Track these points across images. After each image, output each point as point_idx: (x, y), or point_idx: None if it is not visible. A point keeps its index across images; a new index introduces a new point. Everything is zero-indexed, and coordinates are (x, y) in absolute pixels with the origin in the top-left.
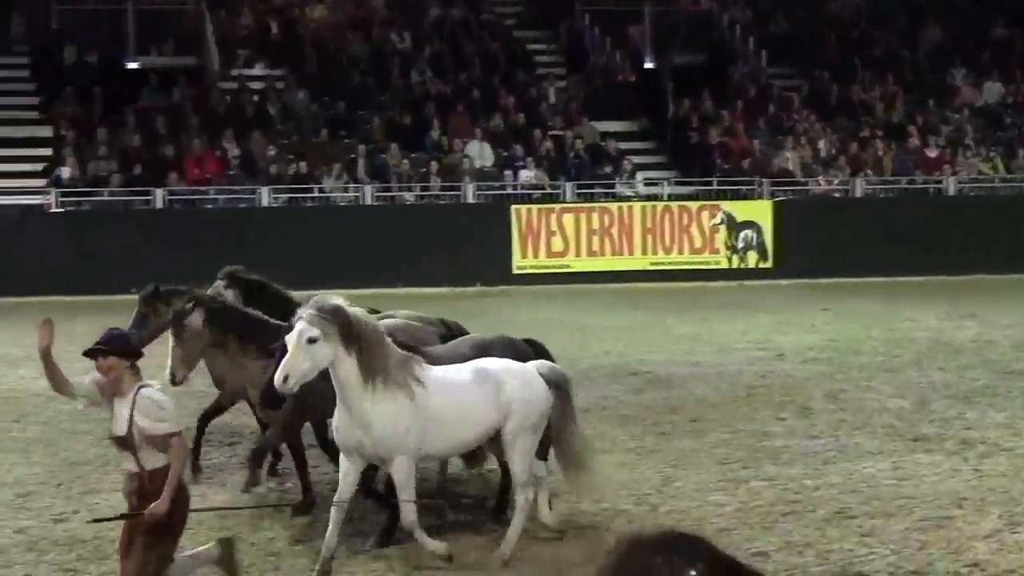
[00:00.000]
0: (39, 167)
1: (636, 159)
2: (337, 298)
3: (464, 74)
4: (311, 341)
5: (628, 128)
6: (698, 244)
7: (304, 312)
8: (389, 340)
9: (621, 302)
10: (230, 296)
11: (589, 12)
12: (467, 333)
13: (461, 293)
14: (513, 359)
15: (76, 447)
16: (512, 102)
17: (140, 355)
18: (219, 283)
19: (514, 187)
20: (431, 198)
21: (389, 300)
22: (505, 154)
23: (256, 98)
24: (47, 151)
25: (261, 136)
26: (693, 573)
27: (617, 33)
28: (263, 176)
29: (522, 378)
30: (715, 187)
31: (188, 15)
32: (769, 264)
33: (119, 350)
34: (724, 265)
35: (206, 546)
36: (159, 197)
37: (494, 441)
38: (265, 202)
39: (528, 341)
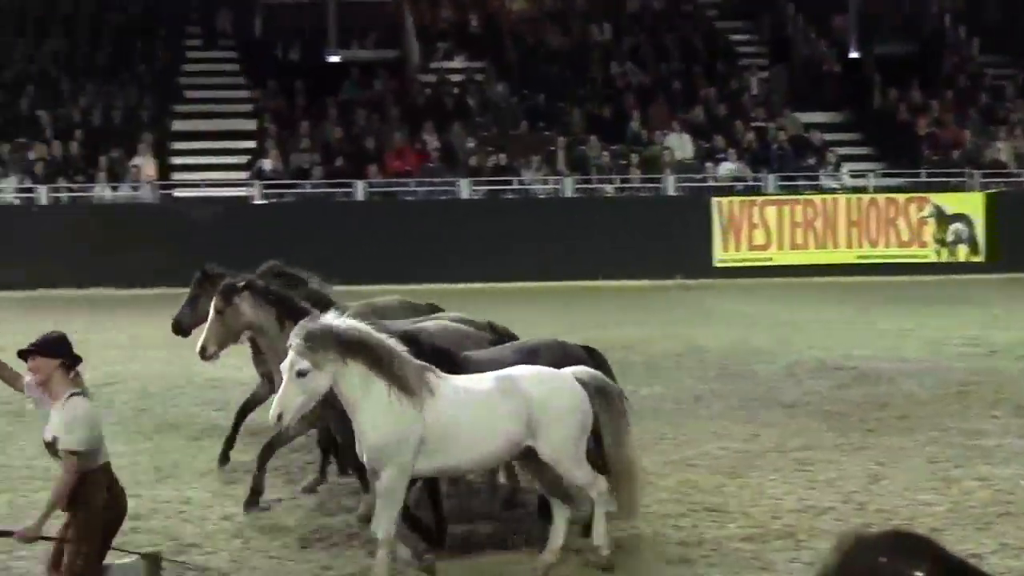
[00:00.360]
0: (243, 160)
1: (841, 151)
2: (329, 317)
3: (664, 65)
4: (301, 374)
5: (832, 119)
6: (905, 237)
7: (293, 340)
8: (400, 348)
9: (825, 296)
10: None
11: (793, 2)
12: (515, 338)
13: (660, 286)
14: (562, 365)
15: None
16: (713, 93)
17: (76, 360)
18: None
19: (715, 179)
20: (631, 190)
21: (588, 293)
22: (706, 146)
23: (456, 90)
24: (251, 144)
25: (461, 128)
26: (919, 574)
27: (821, 23)
28: (463, 168)
29: (553, 386)
30: (923, 179)
31: (389, 8)
32: (980, 258)
33: (45, 351)
34: (933, 259)
35: (130, 559)
36: (360, 189)
37: (531, 460)
38: (465, 194)
39: (586, 348)
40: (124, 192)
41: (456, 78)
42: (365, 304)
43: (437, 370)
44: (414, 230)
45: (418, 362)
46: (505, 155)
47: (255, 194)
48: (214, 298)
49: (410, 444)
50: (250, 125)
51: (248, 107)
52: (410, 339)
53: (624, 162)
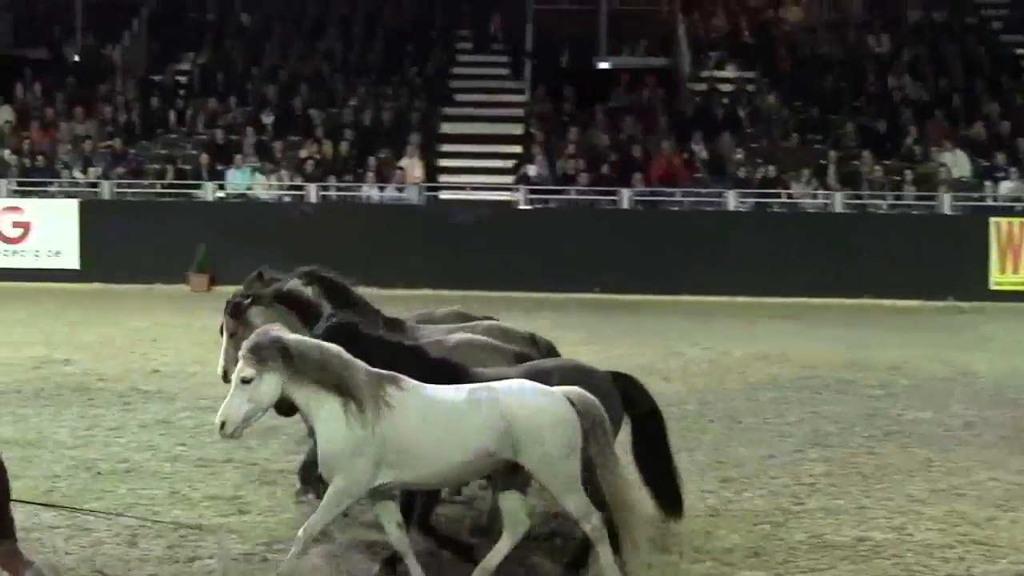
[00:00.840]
0: (509, 164)
1: None
2: (276, 328)
3: (944, 79)
4: (245, 381)
5: None
6: None
7: (243, 349)
8: (354, 361)
9: None
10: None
11: None
12: (557, 354)
13: (931, 307)
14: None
15: None
16: (996, 109)
17: None
18: (296, 280)
19: (994, 199)
20: (904, 208)
21: (854, 311)
22: (985, 164)
23: (726, 100)
24: (518, 149)
25: (730, 138)
26: None
27: None
28: (730, 179)
29: (532, 402)
30: None
31: (661, 16)
32: None
33: None
34: None
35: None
36: (625, 197)
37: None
38: (731, 206)
39: (617, 375)
40: (390, 193)
41: (726, 88)
42: (422, 314)
43: (404, 381)
44: (679, 240)
45: (379, 374)
46: (774, 167)
47: (520, 199)
48: (224, 319)
49: (363, 458)
50: (517, 130)
51: (517, 112)
52: (416, 351)
53: (898, 178)
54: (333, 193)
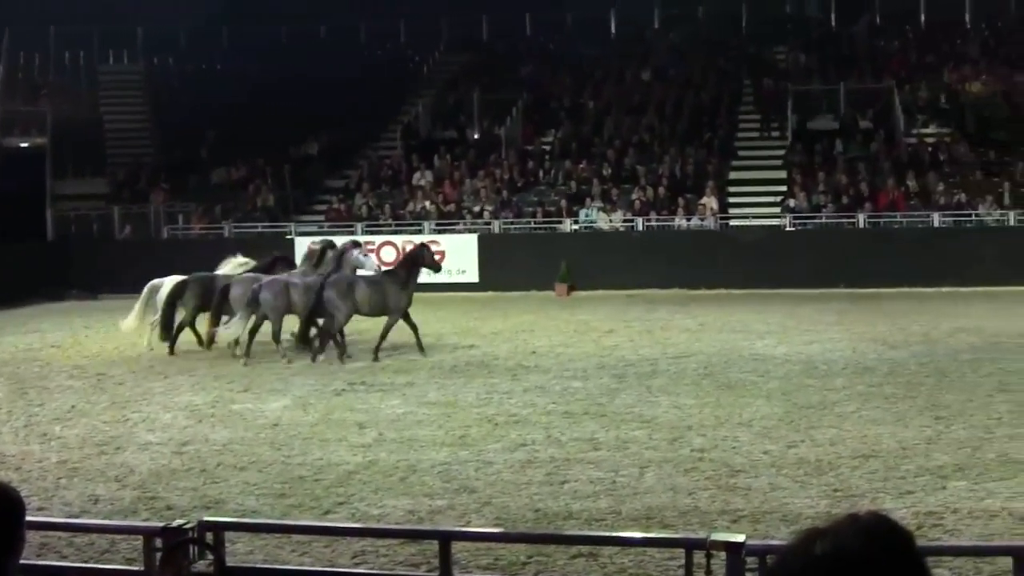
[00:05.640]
0: (778, 199)
1: None
2: None
3: None
4: None
5: None
6: None
7: None
8: None
9: None
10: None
11: None
12: None
13: None
14: None
15: (803, 394)
16: None
17: None
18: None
19: None
20: None
21: None
22: None
23: (930, 149)
24: (783, 188)
25: (933, 176)
26: None
27: None
28: (934, 205)
29: None
30: None
31: (882, 91)
32: None
33: None
34: None
35: None
36: (861, 220)
37: None
38: (936, 223)
39: None
40: (695, 222)
41: (930, 140)
42: None
43: None
44: (899, 249)
45: None
46: (965, 195)
47: (786, 223)
48: None
49: None
50: (782, 175)
51: (780, 162)
52: None
53: None
54: (654, 223)
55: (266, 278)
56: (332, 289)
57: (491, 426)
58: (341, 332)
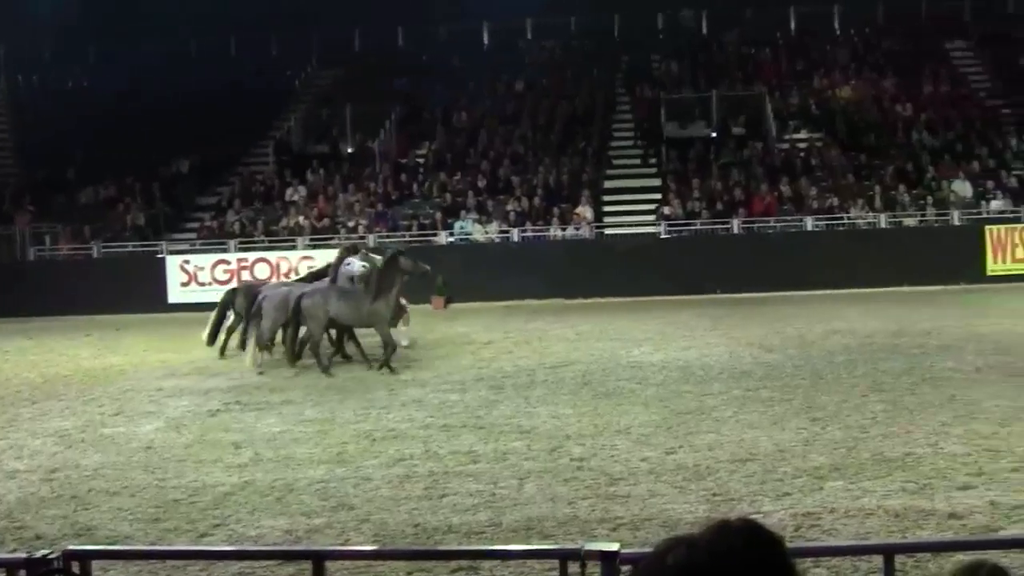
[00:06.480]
0: (653, 207)
1: None
2: None
3: (951, 132)
4: None
5: None
6: None
7: None
8: None
9: None
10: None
11: None
12: None
13: (949, 290)
14: None
15: (681, 400)
16: (985, 152)
17: None
18: None
19: (987, 212)
20: (928, 222)
21: (895, 296)
22: (981, 188)
23: (802, 154)
24: (658, 196)
25: (806, 181)
26: None
27: None
28: (807, 209)
29: None
30: None
31: (754, 99)
32: None
33: None
34: None
35: None
36: (735, 226)
37: None
38: (809, 227)
39: None
40: (570, 232)
41: (802, 145)
42: None
43: None
44: (773, 254)
45: None
46: (837, 199)
47: (660, 231)
48: None
49: None
50: (657, 182)
51: (656, 170)
52: None
53: (922, 202)
54: (530, 233)
55: (286, 288)
56: (307, 300)
57: (369, 442)
58: (342, 342)
